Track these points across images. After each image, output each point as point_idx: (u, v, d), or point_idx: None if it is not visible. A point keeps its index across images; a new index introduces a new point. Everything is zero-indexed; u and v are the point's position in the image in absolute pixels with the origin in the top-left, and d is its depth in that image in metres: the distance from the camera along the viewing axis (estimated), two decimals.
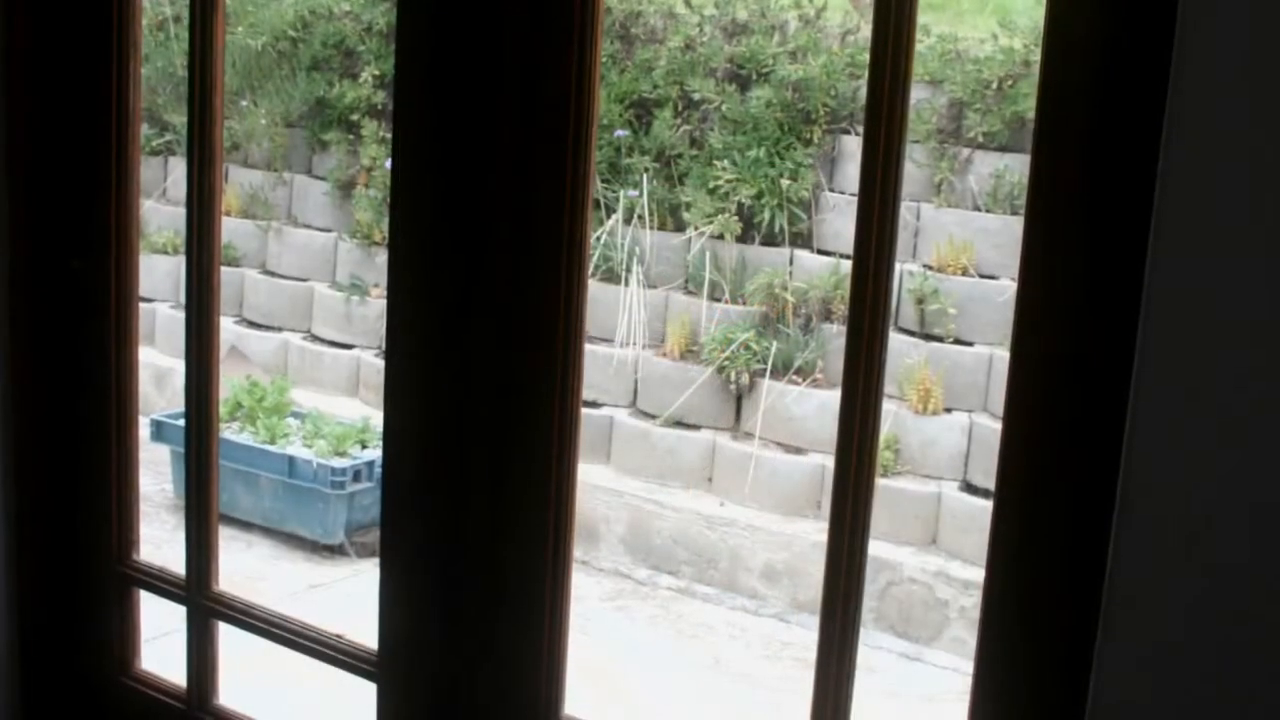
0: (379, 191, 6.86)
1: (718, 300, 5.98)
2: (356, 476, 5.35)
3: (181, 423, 2.46)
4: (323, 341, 6.97)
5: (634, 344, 5.98)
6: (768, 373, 5.69)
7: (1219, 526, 1.34)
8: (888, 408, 5.17)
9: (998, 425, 2.18)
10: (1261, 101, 1.28)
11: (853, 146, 6.03)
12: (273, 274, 7.32)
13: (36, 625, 2.51)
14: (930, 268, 5.78)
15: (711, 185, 6.04)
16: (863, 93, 5.50)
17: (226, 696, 2.37)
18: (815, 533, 5.21)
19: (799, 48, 6.25)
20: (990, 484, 3.40)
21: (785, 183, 5.95)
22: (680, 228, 6.15)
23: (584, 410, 2.34)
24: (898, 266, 5.32)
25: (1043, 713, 1.57)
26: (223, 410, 5.51)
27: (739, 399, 5.77)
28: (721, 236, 6.00)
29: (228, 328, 6.97)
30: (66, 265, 2.38)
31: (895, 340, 5.48)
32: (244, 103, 7.43)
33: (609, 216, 6.19)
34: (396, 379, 2.04)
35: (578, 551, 4.68)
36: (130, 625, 2.47)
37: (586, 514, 5.50)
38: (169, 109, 7.56)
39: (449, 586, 2.02)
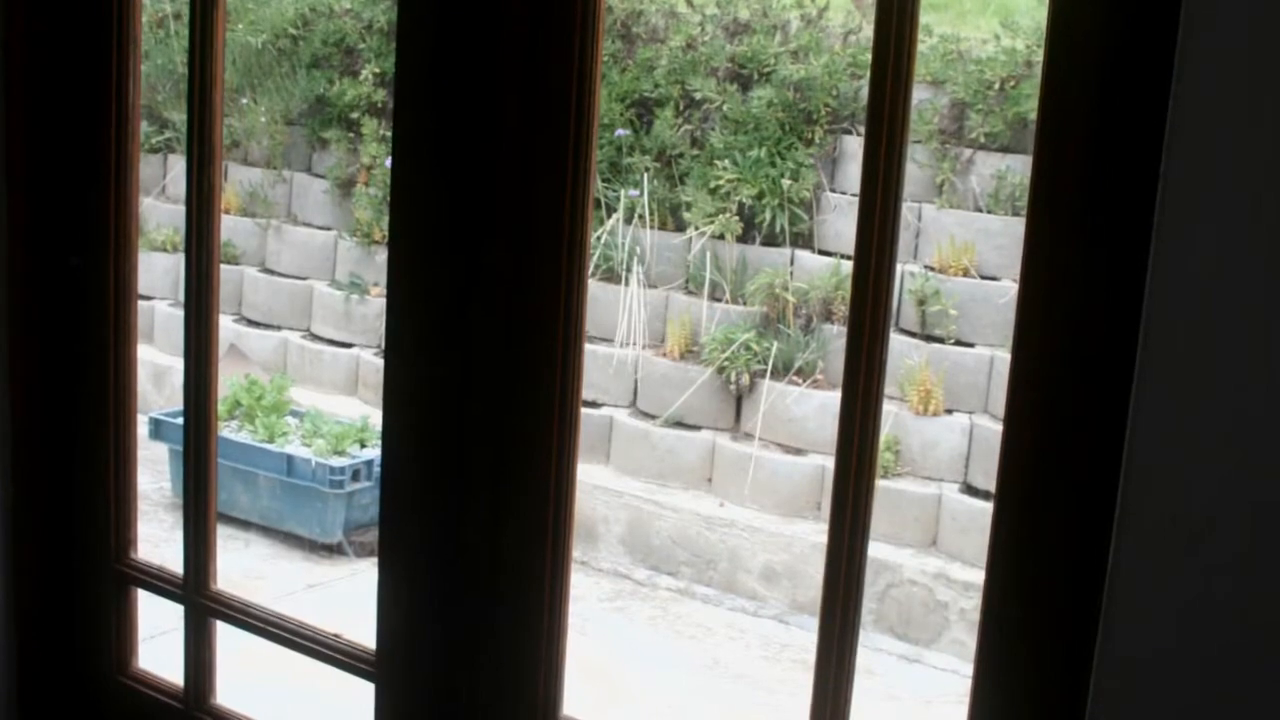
0: (379, 190, 6.86)
1: (718, 300, 5.98)
2: (355, 475, 5.35)
3: (180, 421, 2.46)
4: (322, 340, 6.97)
5: (634, 344, 5.98)
6: (768, 373, 5.68)
7: (1220, 528, 1.33)
8: (888, 409, 5.17)
9: (998, 427, 2.17)
10: (1264, 103, 1.28)
11: (854, 147, 6.03)
12: (272, 272, 7.31)
13: (33, 623, 2.50)
14: (931, 269, 5.78)
15: (712, 185, 6.04)
16: (864, 93, 5.50)
17: (224, 696, 2.37)
18: (815, 534, 5.21)
19: (801, 47, 6.25)
20: (991, 486, 3.39)
21: (786, 183, 5.95)
22: (681, 227, 6.15)
23: (584, 410, 2.34)
24: (899, 267, 5.31)
25: (1043, 715, 1.56)
26: (221, 409, 5.50)
27: (739, 399, 5.77)
28: (722, 236, 6.00)
29: (227, 326, 6.97)
30: (65, 262, 2.38)
31: (896, 341, 5.48)
32: (244, 100, 7.43)
33: (609, 216, 6.19)
34: (396, 378, 2.04)
35: (577, 552, 4.68)
36: (127, 624, 2.46)
37: (586, 514, 5.50)
38: (168, 106, 7.56)
39: (448, 586, 2.02)
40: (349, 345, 6.86)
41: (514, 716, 1.99)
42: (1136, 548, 1.38)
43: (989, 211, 5.81)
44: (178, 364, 6.31)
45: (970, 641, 4.36)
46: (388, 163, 2.94)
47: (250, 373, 6.11)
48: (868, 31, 6.08)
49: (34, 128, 2.36)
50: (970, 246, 5.73)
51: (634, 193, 6.18)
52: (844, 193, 6.05)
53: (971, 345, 5.61)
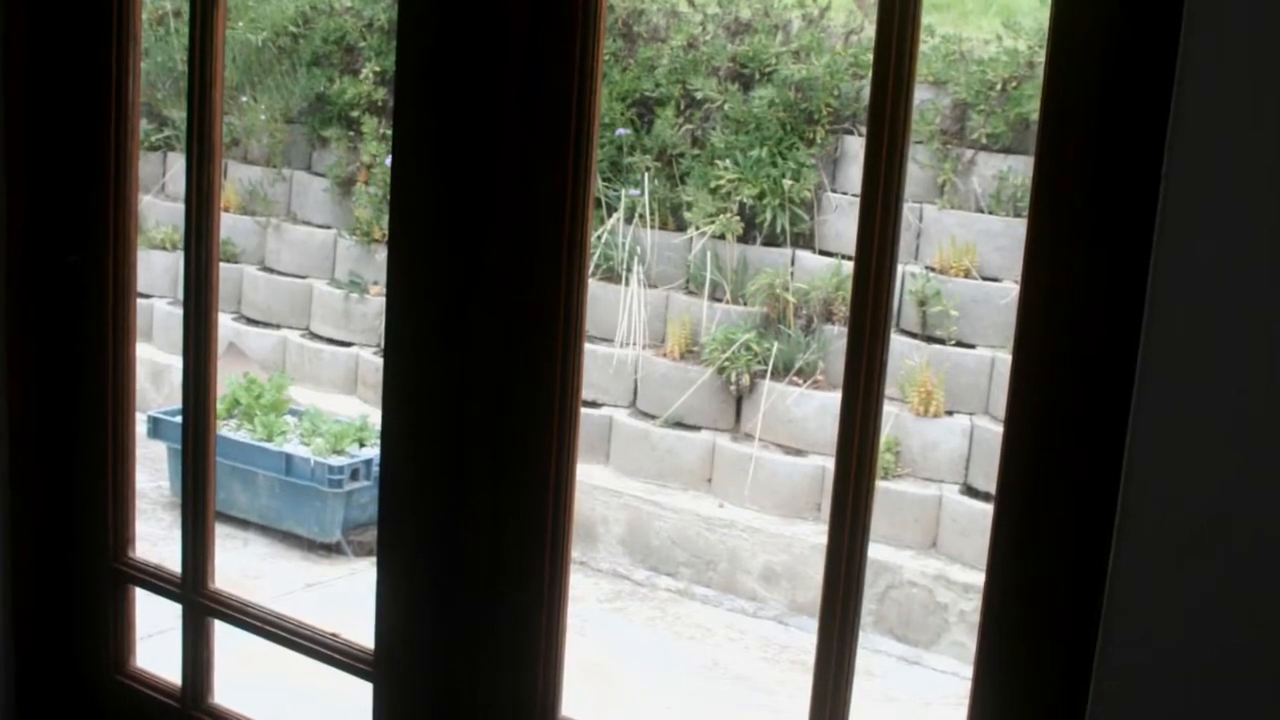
0: (379, 188, 6.85)
1: (718, 300, 5.97)
2: (354, 475, 5.34)
3: (178, 419, 2.45)
4: (321, 339, 6.97)
5: (634, 344, 5.98)
6: (768, 374, 5.68)
7: (1220, 530, 1.33)
8: (889, 410, 5.16)
9: (999, 428, 2.17)
10: (1265, 103, 1.27)
11: (855, 147, 6.02)
12: (271, 271, 7.31)
13: (31, 622, 2.50)
14: (932, 269, 5.77)
15: (713, 185, 6.04)
16: (866, 93, 5.50)
17: (221, 695, 2.36)
18: (815, 535, 5.20)
19: (802, 47, 6.24)
20: (991, 487, 3.39)
21: (787, 183, 5.94)
22: (681, 227, 6.15)
23: (584, 410, 2.33)
24: (900, 268, 5.31)
25: (1043, 717, 1.56)
26: (220, 407, 5.50)
27: (739, 400, 5.77)
28: (723, 236, 5.99)
29: (226, 324, 6.97)
30: (64, 260, 2.37)
31: (897, 342, 5.48)
32: (244, 98, 7.42)
33: (610, 215, 6.18)
34: (395, 377, 2.04)
35: (576, 552, 4.67)
36: (125, 623, 2.46)
37: (585, 514, 5.49)
38: (168, 104, 7.55)
39: (446, 586, 2.02)
40: (348, 344, 6.85)
41: (513, 716, 1.99)
42: (1137, 549, 1.38)
43: (990, 212, 5.81)
44: (176, 362, 6.31)
45: (970, 643, 4.35)
46: (388, 161, 2.94)
47: (249, 371, 6.11)
48: (869, 31, 6.08)
49: (33, 125, 2.36)
50: (971, 247, 5.73)
51: (634, 192, 6.17)
52: (845, 193, 6.05)
53: (972, 346, 5.60)
